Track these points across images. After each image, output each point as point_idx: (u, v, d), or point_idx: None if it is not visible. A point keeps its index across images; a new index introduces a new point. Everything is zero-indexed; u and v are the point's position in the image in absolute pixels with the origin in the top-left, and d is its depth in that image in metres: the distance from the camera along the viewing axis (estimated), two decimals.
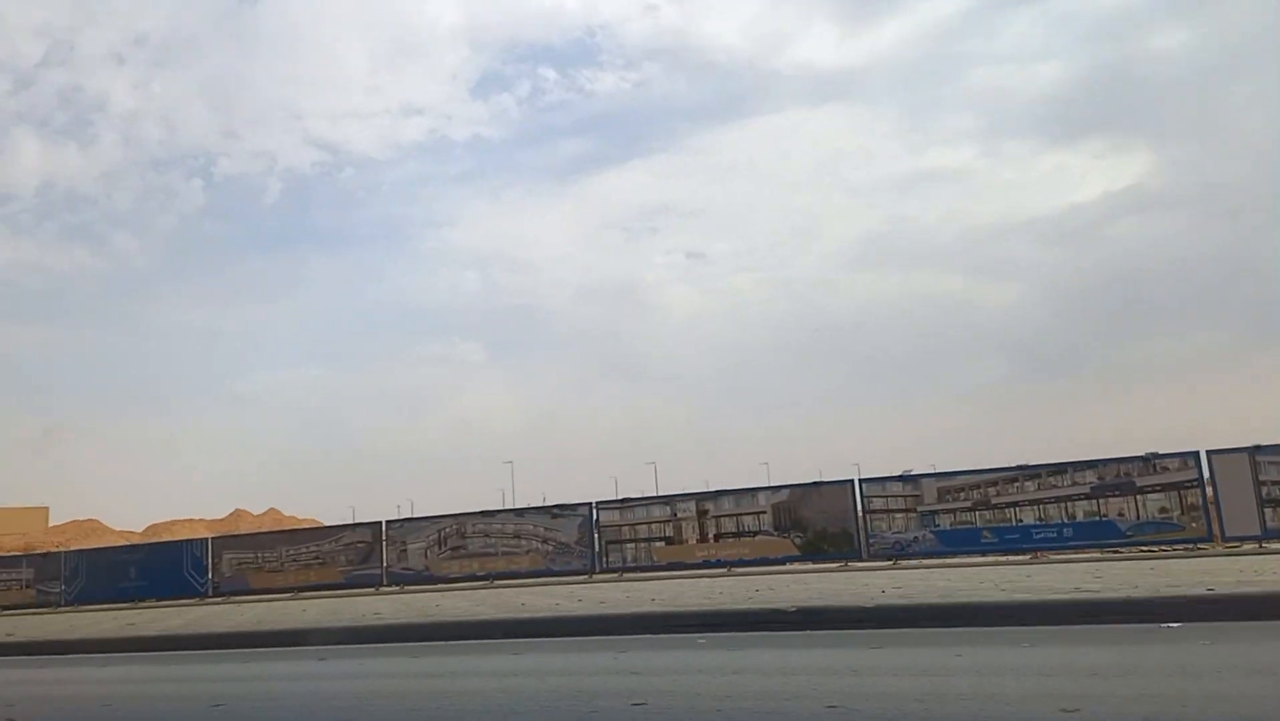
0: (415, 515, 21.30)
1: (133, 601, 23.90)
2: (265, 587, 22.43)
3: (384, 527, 21.42)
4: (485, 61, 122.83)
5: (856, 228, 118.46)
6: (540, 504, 20.64)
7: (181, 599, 23.29)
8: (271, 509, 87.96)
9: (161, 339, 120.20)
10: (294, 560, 22.30)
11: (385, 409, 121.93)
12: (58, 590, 25.33)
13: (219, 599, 22.75)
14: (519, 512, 19.96)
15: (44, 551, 26.65)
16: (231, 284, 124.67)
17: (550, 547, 19.44)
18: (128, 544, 25.07)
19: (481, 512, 20.41)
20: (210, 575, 23.25)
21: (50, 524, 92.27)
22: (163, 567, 23.84)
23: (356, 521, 22.04)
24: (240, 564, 22.93)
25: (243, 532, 23.21)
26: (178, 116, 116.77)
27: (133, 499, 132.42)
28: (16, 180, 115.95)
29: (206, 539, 23.57)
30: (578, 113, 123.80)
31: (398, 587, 20.70)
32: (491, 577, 19.85)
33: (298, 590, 21.93)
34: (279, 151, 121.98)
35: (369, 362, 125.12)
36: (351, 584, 21.38)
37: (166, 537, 76.52)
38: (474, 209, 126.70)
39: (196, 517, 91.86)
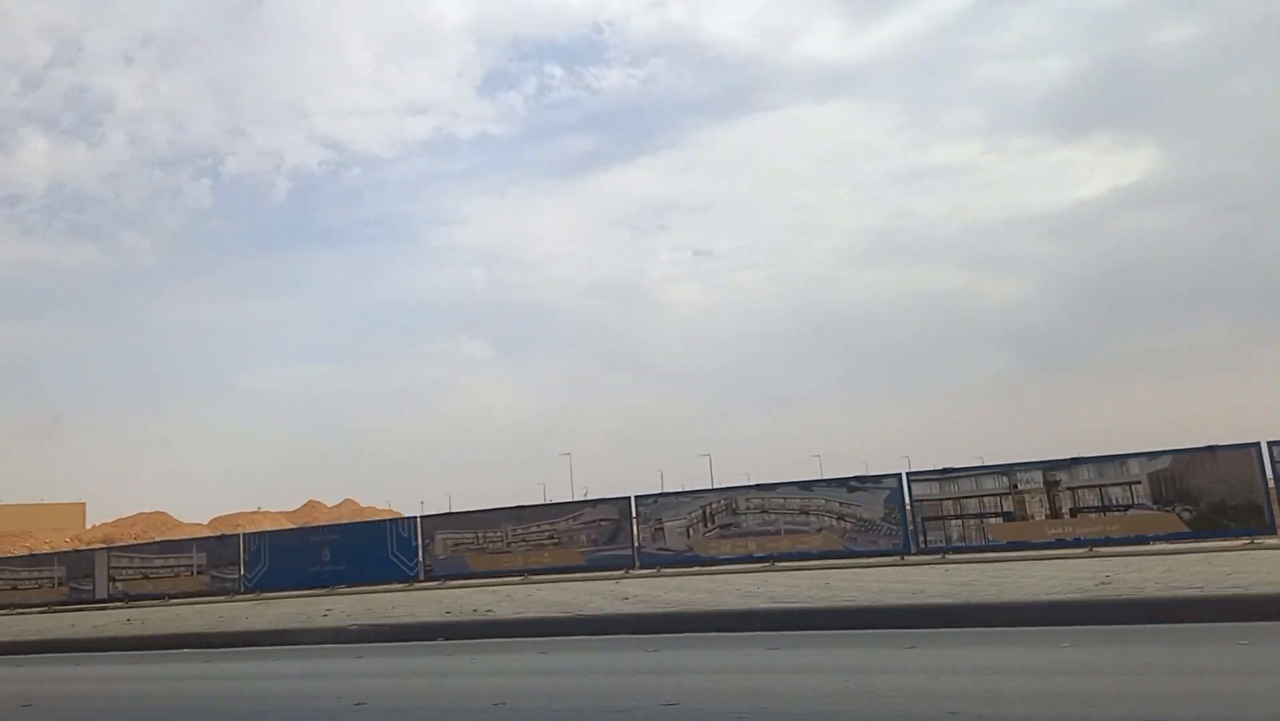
0: (667, 490, 18.92)
1: (327, 587, 21.68)
2: (489, 570, 20.14)
3: (633, 504, 19.06)
4: (491, 59, 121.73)
5: (861, 223, 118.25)
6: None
7: (385, 584, 21.05)
8: (348, 500, 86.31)
9: (169, 337, 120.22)
10: (522, 540, 19.97)
11: (394, 405, 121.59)
12: (234, 576, 23.20)
13: (432, 583, 20.49)
14: (806, 485, 17.50)
15: (218, 534, 24.51)
16: (239, 282, 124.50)
17: (849, 525, 16.99)
18: (320, 524, 22.67)
19: (757, 486, 17.99)
20: (420, 557, 21.00)
21: (87, 523, 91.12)
22: (363, 550, 21.62)
23: (599, 497, 19.67)
24: (457, 544, 20.65)
25: (460, 511, 20.93)
26: (185, 116, 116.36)
27: (152, 493, 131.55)
28: (25, 180, 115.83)
29: (415, 517, 21.30)
30: (584, 109, 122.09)
31: (654, 570, 18.34)
32: (773, 559, 17.43)
33: (528, 573, 19.62)
34: (286, 150, 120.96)
35: (376, 359, 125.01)
36: (595, 566, 19.02)
37: (238, 530, 74.90)
38: (480, 206, 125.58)
39: (265, 509, 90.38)
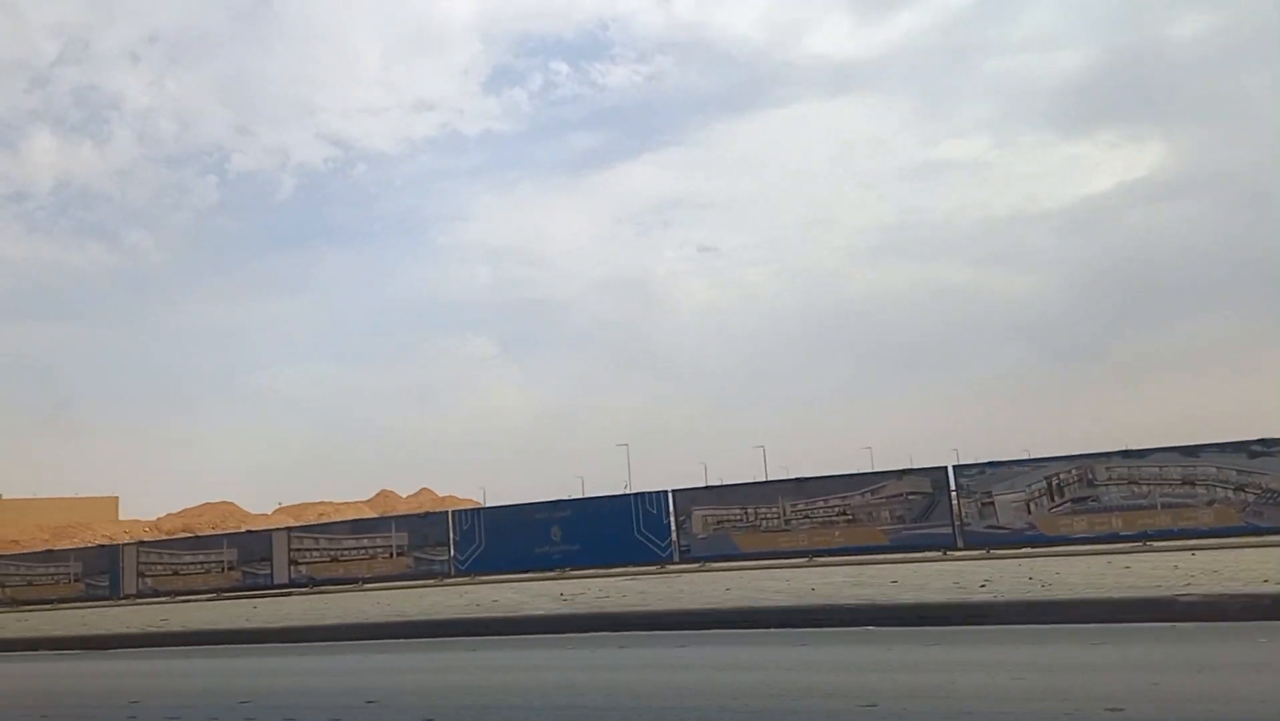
0: (1001, 459, 16.31)
1: (558, 570, 19.25)
2: (761, 551, 17.60)
3: (951, 474, 16.43)
4: (497, 55, 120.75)
5: (870, 219, 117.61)
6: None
7: (627, 566, 18.58)
8: (424, 488, 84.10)
9: (176, 334, 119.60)
10: (805, 517, 17.40)
11: (404, 403, 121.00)
12: (443, 558, 20.83)
13: (690, 565, 17.97)
14: (1189, 451, 14.77)
15: (422, 512, 22.16)
16: (245, 280, 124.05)
17: (1251, 497, 14.27)
18: (547, 500, 20.24)
19: (1122, 453, 15.28)
20: (675, 536, 18.48)
21: (120, 515, 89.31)
22: (602, 527, 19.14)
23: (905, 467, 17.08)
24: (720, 522, 18.11)
25: (721, 484, 18.36)
26: (192, 113, 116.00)
27: (179, 487, 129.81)
28: (32, 178, 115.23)
29: (665, 491, 18.76)
30: (590, 106, 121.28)
31: (983, 551, 15.71)
32: (1145, 537, 14.73)
33: (813, 554, 17.05)
34: (292, 147, 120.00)
35: (384, 357, 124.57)
36: (903, 546, 16.41)
37: (311, 520, 72.85)
38: (486, 203, 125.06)
39: (336, 500, 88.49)
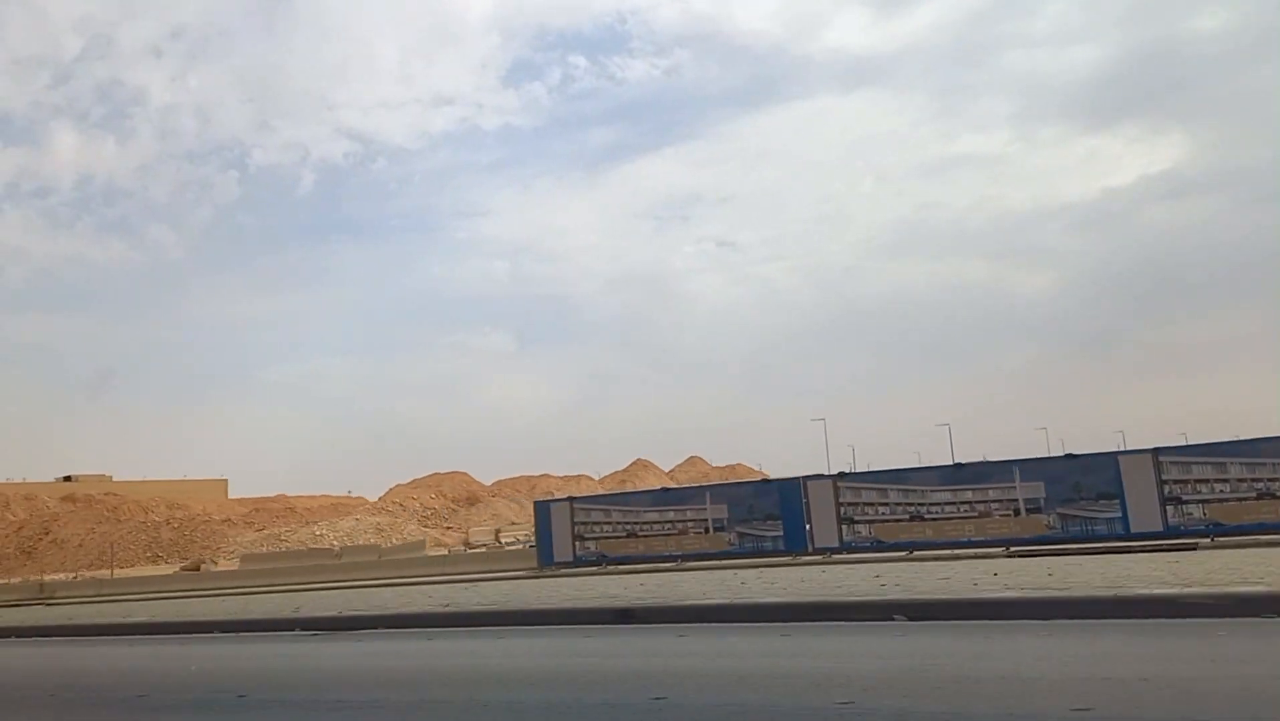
0: None
1: None
2: None
3: None
4: (516, 50, 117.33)
5: (887, 214, 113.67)
6: None
7: None
8: (692, 456, 77.68)
9: (198, 329, 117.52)
10: None
11: (421, 397, 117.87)
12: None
13: None
14: None
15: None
16: (265, 275, 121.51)
17: None
18: None
19: None
20: None
21: (231, 495, 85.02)
22: None
23: None
24: None
25: None
26: (213, 109, 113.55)
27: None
28: (55, 173, 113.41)
29: None
30: (608, 101, 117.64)
31: None
32: None
33: None
34: (312, 142, 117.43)
35: (402, 351, 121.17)
36: None
37: (547, 494, 67.00)
38: (505, 199, 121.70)
39: (558, 474, 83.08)
